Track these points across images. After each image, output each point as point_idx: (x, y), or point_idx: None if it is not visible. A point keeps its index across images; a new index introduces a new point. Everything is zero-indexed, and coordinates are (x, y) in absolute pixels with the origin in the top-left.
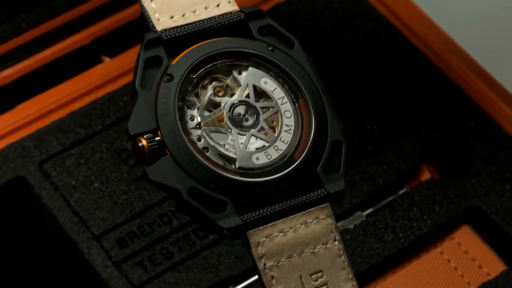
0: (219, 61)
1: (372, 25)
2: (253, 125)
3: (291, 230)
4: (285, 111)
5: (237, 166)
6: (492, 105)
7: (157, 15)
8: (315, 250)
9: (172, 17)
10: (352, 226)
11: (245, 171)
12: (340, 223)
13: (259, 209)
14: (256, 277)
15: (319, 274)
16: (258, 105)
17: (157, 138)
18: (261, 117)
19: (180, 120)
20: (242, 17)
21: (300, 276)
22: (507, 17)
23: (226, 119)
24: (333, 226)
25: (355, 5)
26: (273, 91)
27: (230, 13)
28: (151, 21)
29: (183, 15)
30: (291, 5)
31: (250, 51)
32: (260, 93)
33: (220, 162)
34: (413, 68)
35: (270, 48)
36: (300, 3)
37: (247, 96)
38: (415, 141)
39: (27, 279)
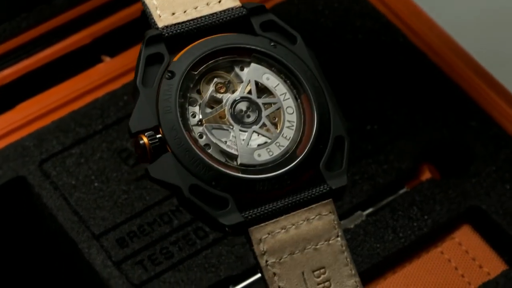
0: (221, 58)
1: (372, 24)
2: (255, 121)
3: (293, 226)
4: (287, 107)
5: (238, 163)
6: (493, 105)
7: (158, 12)
8: (318, 247)
9: (173, 14)
10: (352, 226)
11: (246, 167)
12: (341, 222)
13: (261, 206)
14: (256, 277)
15: (322, 270)
16: (260, 101)
17: (158, 136)
18: (263, 114)
19: (181, 117)
20: (244, 12)
21: (303, 273)
22: (508, 17)
23: (227, 116)
24: (335, 222)
25: (355, 4)
26: (275, 87)
27: (232, 8)
28: (153, 18)
29: (185, 12)
30: (291, 4)
31: (252, 47)
32: (262, 89)
33: (222, 159)
34: (414, 67)
35: (272, 44)
36: (300, 3)
37: (249, 92)
38: (415, 140)
39: (27, 279)
